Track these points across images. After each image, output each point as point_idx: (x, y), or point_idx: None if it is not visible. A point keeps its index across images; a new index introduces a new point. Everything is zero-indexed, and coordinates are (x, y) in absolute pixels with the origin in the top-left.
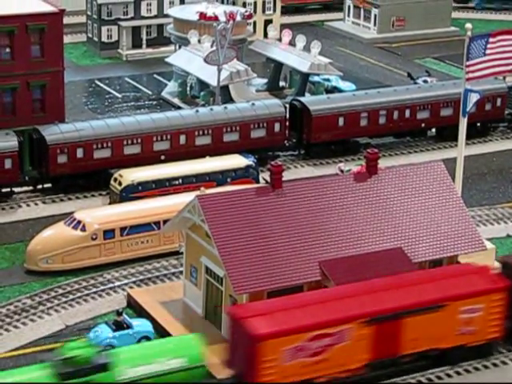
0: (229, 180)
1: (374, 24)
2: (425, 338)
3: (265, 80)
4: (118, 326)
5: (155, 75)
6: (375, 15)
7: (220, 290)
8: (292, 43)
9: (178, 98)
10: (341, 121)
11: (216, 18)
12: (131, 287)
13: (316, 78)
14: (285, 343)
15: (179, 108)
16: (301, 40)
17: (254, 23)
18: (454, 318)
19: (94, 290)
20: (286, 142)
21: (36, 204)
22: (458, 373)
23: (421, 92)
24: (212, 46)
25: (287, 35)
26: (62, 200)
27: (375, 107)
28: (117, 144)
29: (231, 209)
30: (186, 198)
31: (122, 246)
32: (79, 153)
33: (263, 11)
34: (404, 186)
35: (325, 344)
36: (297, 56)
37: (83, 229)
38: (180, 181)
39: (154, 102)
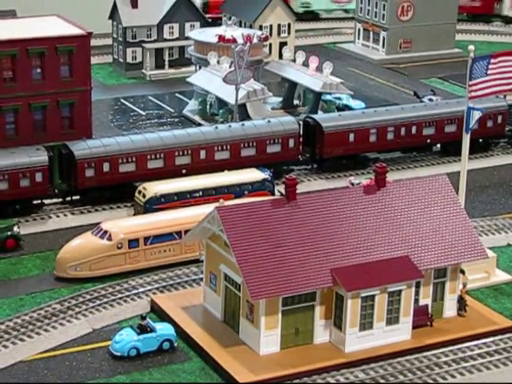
0: (246, 192)
1: (383, 46)
2: None
3: (280, 98)
4: (142, 329)
5: (177, 94)
6: (383, 38)
7: (238, 295)
8: (305, 64)
9: (198, 116)
10: (351, 137)
11: (234, 41)
12: (154, 293)
13: (328, 97)
14: None
15: (199, 125)
16: (314, 61)
17: (270, 45)
18: None
19: (120, 295)
20: (299, 156)
21: (65, 215)
22: (461, 373)
23: (426, 110)
24: (230, 67)
25: (301, 56)
26: (89, 211)
27: (383, 124)
28: (141, 159)
29: (248, 219)
30: (206, 209)
31: (145, 255)
32: (105, 167)
33: (278, 34)
34: (410, 198)
35: None
36: (310, 76)
37: (109, 238)
38: (200, 193)
39: (176, 119)
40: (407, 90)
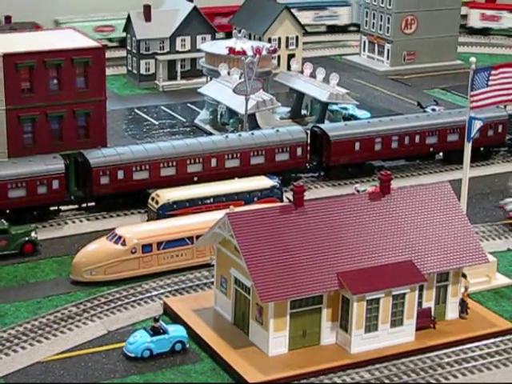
0: (255, 199)
1: (387, 58)
2: None
3: (288, 108)
4: (155, 331)
5: (189, 104)
6: (388, 50)
7: (247, 298)
8: (313, 75)
9: (209, 125)
10: (357, 145)
11: (244, 53)
12: (167, 296)
13: (334, 107)
14: None
15: (210, 134)
16: (321, 72)
17: (279, 57)
18: None
19: (134, 298)
20: (307, 164)
21: (81, 221)
22: (463, 374)
23: (429, 119)
24: (240, 78)
25: (308, 68)
26: (104, 217)
27: (388, 133)
28: (154, 166)
29: (258, 225)
30: (217, 215)
31: (158, 259)
32: (120, 174)
33: (287, 46)
34: (414, 205)
35: None
36: (317, 87)
37: (124, 243)
38: (211, 200)
39: (188, 129)
40: (411, 101)
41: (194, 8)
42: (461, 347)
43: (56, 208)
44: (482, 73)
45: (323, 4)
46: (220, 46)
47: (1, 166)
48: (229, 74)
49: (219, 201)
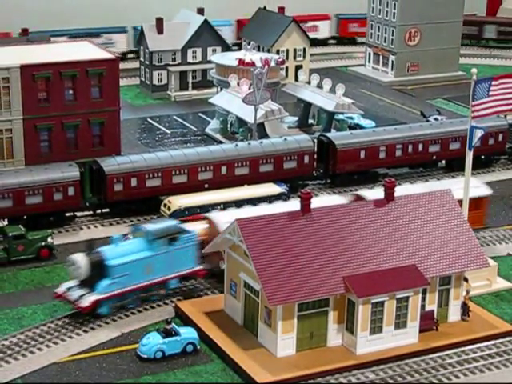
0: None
1: (392, 69)
2: None
3: (295, 118)
4: (168, 333)
5: (200, 114)
6: (392, 61)
7: (256, 301)
8: (320, 86)
9: (219, 134)
10: (362, 154)
11: (253, 64)
12: (179, 299)
13: (340, 116)
14: None
15: (221, 142)
16: (327, 83)
17: (287, 68)
18: None
19: (147, 301)
20: (314, 172)
21: (95, 226)
22: (465, 374)
23: (432, 128)
24: (249, 89)
25: (315, 79)
26: (118, 223)
27: (392, 142)
28: (166, 174)
29: (266, 230)
30: None
31: None
32: (133, 182)
33: (294, 58)
34: (417, 211)
35: None
36: (324, 97)
37: None
38: (221, 206)
39: (199, 138)
40: (414, 110)
41: (205, 21)
42: (463, 348)
43: (71, 214)
44: (483, 83)
45: (98, 31)
46: (230, 58)
47: (18, 173)
48: (238, 84)
49: (229, 207)
